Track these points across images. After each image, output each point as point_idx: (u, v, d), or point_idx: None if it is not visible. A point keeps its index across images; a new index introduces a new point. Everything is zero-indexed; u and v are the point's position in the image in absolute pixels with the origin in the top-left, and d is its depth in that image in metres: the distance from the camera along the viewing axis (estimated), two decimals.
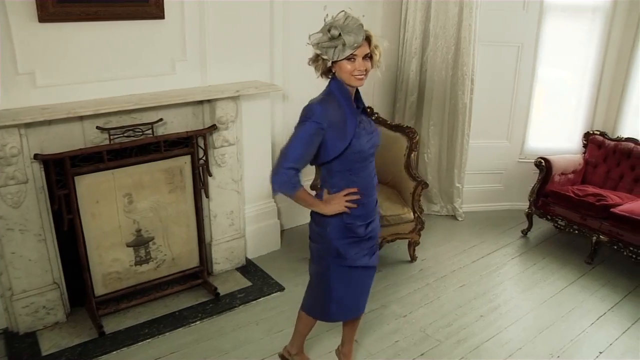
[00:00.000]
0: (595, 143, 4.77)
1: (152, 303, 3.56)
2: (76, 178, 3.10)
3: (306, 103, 2.35)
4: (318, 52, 2.23)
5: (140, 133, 3.31)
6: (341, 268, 2.52)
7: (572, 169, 4.67)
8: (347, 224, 2.42)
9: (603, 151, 4.70)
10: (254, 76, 3.82)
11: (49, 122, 3.01)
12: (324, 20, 2.26)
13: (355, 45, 2.16)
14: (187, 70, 3.52)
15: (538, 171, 4.57)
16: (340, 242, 2.45)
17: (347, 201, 2.37)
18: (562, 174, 4.60)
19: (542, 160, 4.53)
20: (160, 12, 3.30)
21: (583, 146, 4.87)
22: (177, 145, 3.46)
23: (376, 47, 2.26)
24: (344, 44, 2.16)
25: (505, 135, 5.03)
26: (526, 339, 3.35)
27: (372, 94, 4.83)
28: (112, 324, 3.35)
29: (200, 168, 3.60)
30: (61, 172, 3.05)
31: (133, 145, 3.26)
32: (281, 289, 3.79)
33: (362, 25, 2.19)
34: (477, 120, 4.81)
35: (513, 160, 5.10)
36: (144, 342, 3.22)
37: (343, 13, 2.20)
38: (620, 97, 4.80)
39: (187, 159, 3.52)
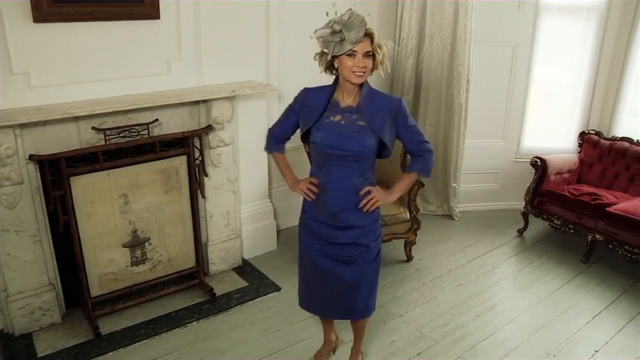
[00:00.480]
0: (591, 142, 4.78)
1: (148, 304, 3.55)
2: (72, 179, 3.09)
3: None
4: (320, 45, 2.28)
5: (136, 133, 3.31)
6: (300, 249, 2.69)
7: (567, 169, 4.68)
8: (303, 211, 2.61)
9: (598, 150, 4.72)
10: (250, 76, 3.82)
11: (44, 123, 3.00)
12: (327, 15, 2.32)
13: (355, 41, 2.20)
14: (182, 70, 3.52)
15: (534, 170, 4.59)
16: (300, 223, 2.65)
17: (308, 189, 2.50)
18: (558, 173, 4.61)
19: (538, 160, 4.54)
20: (155, 12, 3.29)
21: (578, 145, 4.89)
22: (173, 146, 3.45)
23: (379, 46, 2.27)
24: (344, 40, 2.21)
25: (501, 134, 5.05)
26: (522, 338, 3.36)
27: None
28: (108, 325, 3.34)
29: (196, 168, 3.60)
30: (57, 173, 3.04)
31: (129, 145, 3.25)
32: (277, 289, 3.79)
33: (364, 22, 2.21)
34: (473, 120, 4.82)
35: (509, 160, 5.11)
36: (141, 342, 3.21)
37: (349, 10, 2.25)
38: (615, 96, 4.81)
39: (183, 159, 3.52)
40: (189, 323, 3.41)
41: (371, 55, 2.27)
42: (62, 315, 3.37)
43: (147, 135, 3.33)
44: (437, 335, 3.36)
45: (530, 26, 4.70)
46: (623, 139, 4.63)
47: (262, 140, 4.00)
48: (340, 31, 2.20)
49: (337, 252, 2.54)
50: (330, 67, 2.36)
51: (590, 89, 4.91)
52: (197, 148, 3.58)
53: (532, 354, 3.22)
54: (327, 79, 2.48)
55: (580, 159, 4.78)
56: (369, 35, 2.24)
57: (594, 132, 4.83)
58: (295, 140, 3.79)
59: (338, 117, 2.39)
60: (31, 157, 2.99)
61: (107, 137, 3.19)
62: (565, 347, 3.29)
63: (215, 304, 3.60)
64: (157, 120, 3.39)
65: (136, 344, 3.20)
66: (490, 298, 3.79)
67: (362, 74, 2.27)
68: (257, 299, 3.68)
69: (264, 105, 3.98)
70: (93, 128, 3.16)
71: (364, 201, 2.44)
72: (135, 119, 3.32)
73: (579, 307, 3.70)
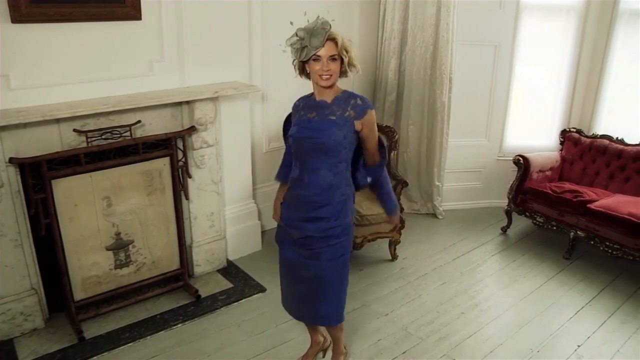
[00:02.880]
0: (572, 140, 4.84)
1: (132, 307, 3.52)
2: (53, 182, 3.06)
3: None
4: (290, 52, 2.40)
5: (119, 135, 3.28)
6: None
7: (549, 166, 4.74)
8: (282, 212, 2.73)
9: (579, 148, 4.77)
10: (232, 77, 3.80)
11: (25, 125, 2.96)
12: (292, 24, 2.44)
13: (316, 46, 2.29)
14: (165, 71, 3.50)
15: (516, 169, 4.63)
16: (278, 224, 2.80)
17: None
18: (540, 171, 4.66)
19: (520, 158, 4.58)
20: (137, 13, 3.27)
21: (560, 143, 4.94)
22: (156, 147, 3.43)
23: (346, 49, 2.36)
24: (308, 46, 2.30)
25: (484, 133, 5.08)
26: (507, 334, 3.39)
27: None
28: (93, 329, 3.31)
29: (180, 170, 3.58)
30: (38, 176, 3.00)
31: (111, 147, 3.22)
32: (262, 290, 3.78)
33: (325, 28, 2.30)
34: (456, 119, 4.86)
35: (492, 159, 5.15)
36: (125, 346, 3.19)
37: (317, 18, 2.35)
38: (595, 95, 4.88)
39: (166, 160, 3.50)
40: (174, 325, 3.39)
41: (337, 58, 2.34)
42: (44, 320, 3.32)
43: (129, 137, 3.31)
44: (423, 334, 3.37)
45: (511, 26, 4.74)
46: (603, 136, 4.70)
47: (246, 140, 4.06)
48: (304, 38, 2.31)
49: (305, 244, 2.59)
50: (303, 71, 2.46)
51: (570, 88, 4.97)
52: (180, 149, 3.56)
53: (517, 350, 3.25)
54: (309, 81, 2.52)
55: (561, 157, 4.84)
56: (332, 39, 2.31)
57: (575, 130, 4.88)
58: (280, 138, 3.80)
59: (313, 114, 2.50)
60: (11, 160, 2.95)
61: (89, 139, 3.16)
62: (549, 342, 3.33)
63: (200, 306, 3.58)
64: (139, 121, 3.37)
65: (121, 348, 3.17)
66: (475, 296, 3.82)
67: (328, 77, 2.36)
68: (243, 300, 3.67)
69: (247, 106, 3.97)
70: (75, 130, 3.13)
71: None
72: (117, 121, 3.29)
73: (562, 303, 3.74)
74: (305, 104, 2.56)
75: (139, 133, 3.40)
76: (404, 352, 3.21)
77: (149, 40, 3.40)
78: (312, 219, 2.54)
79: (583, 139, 4.79)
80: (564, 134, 4.92)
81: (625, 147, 4.50)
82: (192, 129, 3.56)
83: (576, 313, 3.63)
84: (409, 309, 3.63)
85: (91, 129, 3.18)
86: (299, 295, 2.76)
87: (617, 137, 4.61)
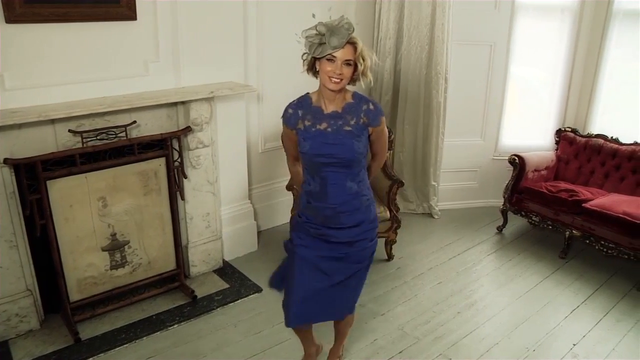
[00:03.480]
0: (567, 140, 4.86)
1: (128, 307, 3.52)
2: (48, 182, 3.05)
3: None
4: (304, 45, 2.28)
5: (114, 136, 3.27)
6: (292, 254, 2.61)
7: (545, 166, 4.75)
8: (299, 216, 2.60)
9: (574, 147, 4.79)
10: (228, 77, 3.80)
11: (19, 126, 2.95)
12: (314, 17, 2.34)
13: (335, 46, 2.19)
14: (160, 71, 3.49)
15: (512, 168, 4.64)
16: (295, 228, 2.64)
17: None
18: (536, 170, 4.67)
19: (516, 158, 4.60)
20: (132, 13, 3.26)
21: (555, 143, 4.96)
22: (152, 148, 3.42)
23: (362, 57, 2.26)
24: (325, 43, 2.20)
25: (480, 133, 5.09)
26: (503, 334, 3.40)
27: None
28: (88, 330, 3.30)
29: (175, 170, 3.57)
30: (33, 177, 2.99)
31: (106, 148, 3.22)
32: (259, 290, 3.78)
33: (349, 30, 2.21)
34: (452, 119, 4.87)
35: (487, 158, 5.16)
36: (121, 347, 3.18)
37: (341, 16, 2.25)
38: (590, 94, 4.89)
39: (161, 161, 3.49)
40: (170, 326, 3.38)
41: (352, 64, 2.26)
42: (40, 321, 3.31)
43: (125, 138, 3.30)
44: (419, 333, 3.38)
45: (506, 25, 4.75)
46: (598, 136, 4.72)
47: (241, 141, 4.05)
48: (324, 34, 2.19)
49: (333, 249, 2.52)
50: (312, 68, 2.34)
51: (565, 87, 4.98)
52: (176, 150, 3.55)
53: (513, 349, 3.26)
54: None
55: (557, 156, 4.85)
56: (352, 44, 2.23)
57: (570, 129, 4.90)
58: (276, 139, 3.79)
59: (324, 125, 2.37)
60: (6, 161, 2.93)
61: (84, 140, 3.15)
62: (545, 341, 3.34)
63: (196, 307, 3.57)
64: (135, 122, 3.36)
65: (117, 349, 3.16)
66: (471, 295, 3.83)
67: (338, 81, 2.26)
68: (239, 301, 3.67)
69: (242, 106, 3.96)
70: (70, 131, 3.12)
71: None
72: (112, 121, 3.28)
73: (557, 302, 3.75)
74: (306, 111, 2.40)
75: (134, 133, 3.39)
76: (400, 352, 3.21)
77: (144, 41, 3.40)
78: (339, 228, 2.48)
79: (578, 138, 4.80)
80: (559, 133, 4.94)
81: (620, 147, 4.53)
82: (187, 130, 3.56)
83: (572, 312, 3.64)
84: (405, 309, 3.63)
85: (86, 129, 3.17)
86: (329, 297, 2.62)
87: (611, 137, 4.64)
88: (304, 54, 2.33)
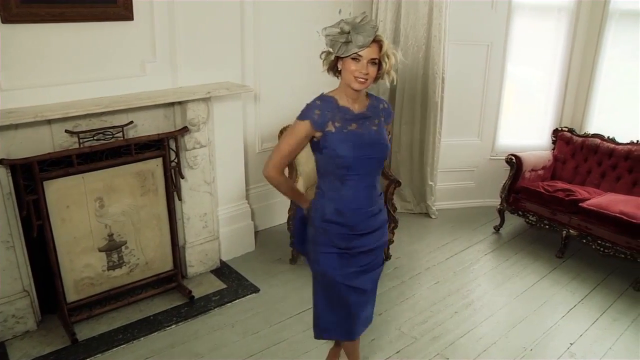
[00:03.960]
0: (564, 139, 4.87)
1: (126, 308, 3.51)
2: (45, 183, 3.04)
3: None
4: (327, 44, 2.20)
5: (111, 136, 3.26)
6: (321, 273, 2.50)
7: (541, 165, 4.76)
8: (324, 231, 2.40)
9: (571, 147, 4.80)
10: (225, 77, 3.79)
11: (16, 126, 2.94)
12: (340, 13, 2.29)
13: (361, 45, 2.13)
14: (157, 71, 3.48)
15: (509, 168, 4.65)
16: (320, 244, 2.43)
17: None
18: (532, 170, 4.68)
19: (513, 157, 4.60)
20: (129, 13, 3.25)
21: (552, 142, 4.97)
22: (149, 148, 3.42)
23: (387, 55, 2.21)
24: (351, 41, 2.13)
25: (477, 132, 5.10)
26: (500, 333, 3.40)
27: None
28: (85, 331, 3.29)
29: (172, 170, 3.57)
30: (29, 177, 2.98)
31: (103, 148, 3.21)
32: (256, 290, 3.78)
33: (375, 28, 2.15)
34: (449, 119, 4.87)
35: (484, 158, 5.17)
36: (119, 347, 3.18)
37: (363, 13, 2.19)
38: (586, 94, 4.91)
39: (158, 161, 3.48)
40: (168, 327, 3.38)
41: (377, 63, 2.20)
42: (37, 322, 3.31)
43: (121, 138, 3.29)
44: (416, 333, 3.38)
45: (503, 25, 4.76)
46: (595, 135, 4.73)
47: (238, 141, 4.05)
48: (349, 32, 2.12)
49: (363, 261, 2.47)
50: (333, 68, 2.27)
51: (562, 87, 5.00)
52: (173, 150, 3.55)
53: (510, 348, 3.27)
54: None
55: (554, 156, 4.86)
56: (377, 42, 2.17)
57: (566, 129, 4.91)
58: (274, 139, 3.78)
59: (354, 126, 2.28)
60: (2, 162, 2.92)
61: (81, 140, 3.14)
62: (542, 341, 3.34)
63: (193, 307, 3.57)
64: (131, 122, 3.35)
65: (114, 349, 3.16)
66: (468, 295, 3.83)
67: (364, 80, 2.19)
68: (236, 301, 3.66)
69: (239, 106, 3.96)
70: (66, 131, 3.11)
71: None
72: (109, 122, 3.28)
73: (554, 301, 3.76)
74: (334, 112, 2.26)
75: (131, 134, 3.39)
76: (397, 352, 3.21)
77: (141, 41, 3.39)
78: (367, 233, 2.42)
79: (575, 138, 4.81)
80: (556, 133, 4.95)
81: (617, 146, 4.54)
82: (184, 130, 3.55)
83: (569, 311, 3.65)
84: (402, 309, 3.64)
85: (83, 129, 3.17)
86: (364, 309, 2.61)
87: (608, 136, 4.65)
88: (323, 52, 2.27)
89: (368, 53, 2.16)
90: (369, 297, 2.65)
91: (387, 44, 2.20)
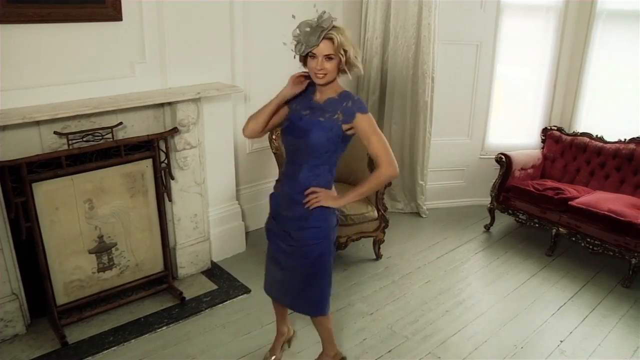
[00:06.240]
0: (553, 138, 4.90)
1: (116, 310, 3.49)
2: (34, 185, 3.02)
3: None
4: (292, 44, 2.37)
5: (100, 137, 3.25)
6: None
7: (531, 164, 4.79)
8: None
9: (560, 146, 4.83)
10: (215, 78, 3.78)
11: (4, 128, 2.91)
12: (294, 18, 2.48)
13: (311, 45, 2.27)
14: (146, 72, 3.46)
15: (499, 167, 4.67)
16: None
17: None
18: (522, 169, 4.71)
19: (503, 156, 4.63)
20: (117, 13, 3.23)
21: (541, 141, 5.00)
22: (138, 149, 3.40)
23: (343, 50, 2.29)
24: (304, 43, 2.29)
25: (466, 132, 5.12)
26: (491, 331, 3.42)
27: None
28: (76, 334, 3.27)
29: (162, 172, 3.55)
30: (18, 179, 2.96)
31: (93, 150, 3.19)
32: (247, 291, 3.77)
33: (323, 26, 2.25)
34: (439, 118, 4.89)
35: (474, 157, 5.19)
36: (109, 350, 3.16)
37: (323, 12, 2.31)
38: (575, 93, 4.95)
39: (148, 162, 3.47)
40: (159, 328, 3.36)
41: (335, 57, 2.30)
42: (26, 325, 3.28)
43: (111, 139, 3.27)
44: (408, 332, 3.39)
45: (492, 25, 4.79)
46: (583, 134, 4.77)
47: (229, 141, 4.04)
48: (299, 34, 2.30)
49: (284, 238, 2.61)
50: (306, 64, 2.42)
51: (551, 86, 5.03)
52: (163, 151, 3.53)
53: (501, 346, 3.28)
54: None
55: (543, 155, 4.89)
56: (329, 39, 2.27)
57: (555, 128, 4.95)
58: (263, 139, 3.79)
59: (307, 112, 2.46)
60: None
61: (70, 142, 3.12)
62: (532, 338, 3.36)
63: (185, 308, 3.56)
64: (121, 123, 3.34)
65: (105, 352, 3.14)
66: (459, 293, 3.85)
67: (322, 75, 2.33)
68: (227, 302, 3.66)
69: (229, 107, 3.95)
70: (55, 132, 3.09)
71: (307, 198, 2.49)
72: (98, 123, 3.26)
73: (544, 299, 3.79)
74: (304, 96, 2.50)
75: (120, 135, 3.37)
76: (389, 351, 3.22)
77: (130, 41, 3.37)
78: (291, 216, 2.56)
79: (564, 136, 4.85)
80: (545, 132, 4.98)
81: (605, 145, 4.58)
82: (174, 131, 3.54)
83: (559, 309, 3.67)
84: (393, 308, 3.65)
85: (72, 131, 3.15)
86: (280, 280, 2.76)
87: (596, 135, 4.69)
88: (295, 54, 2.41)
89: (321, 50, 2.29)
90: (294, 280, 2.68)
91: (338, 38, 2.28)
